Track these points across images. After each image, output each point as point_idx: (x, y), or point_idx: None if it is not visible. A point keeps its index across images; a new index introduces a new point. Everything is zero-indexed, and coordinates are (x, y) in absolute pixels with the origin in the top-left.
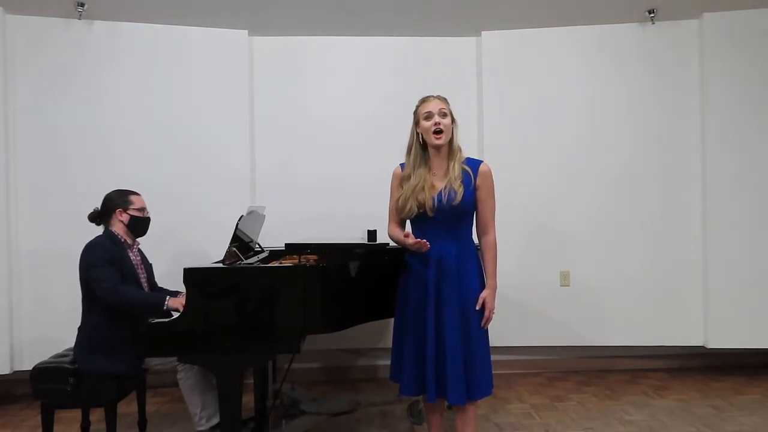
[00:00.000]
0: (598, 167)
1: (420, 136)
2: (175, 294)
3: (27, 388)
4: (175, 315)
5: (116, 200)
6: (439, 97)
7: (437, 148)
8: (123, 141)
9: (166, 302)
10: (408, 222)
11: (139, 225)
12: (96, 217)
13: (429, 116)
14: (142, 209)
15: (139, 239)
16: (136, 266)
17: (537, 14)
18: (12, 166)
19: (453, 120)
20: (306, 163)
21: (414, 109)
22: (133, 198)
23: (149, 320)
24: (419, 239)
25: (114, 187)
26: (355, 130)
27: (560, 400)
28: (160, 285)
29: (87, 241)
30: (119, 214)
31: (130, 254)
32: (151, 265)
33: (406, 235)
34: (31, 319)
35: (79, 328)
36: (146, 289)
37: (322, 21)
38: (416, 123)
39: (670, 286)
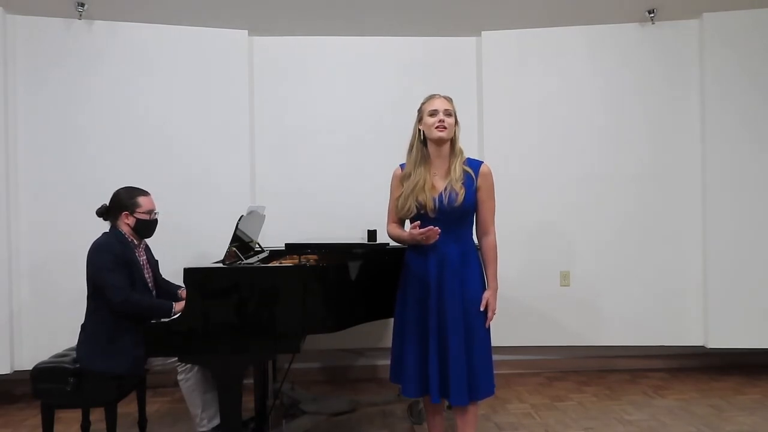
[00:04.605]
0: (599, 167)
1: (422, 133)
2: (180, 288)
3: (27, 388)
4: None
5: (124, 201)
6: (445, 97)
7: (438, 143)
8: (123, 141)
9: (173, 309)
10: (408, 221)
11: (145, 228)
12: (103, 214)
13: (434, 114)
14: (150, 211)
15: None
16: (142, 266)
17: (537, 14)
18: (12, 166)
19: (456, 121)
20: (306, 163)
21: (419, 106)
22: (141, 200)
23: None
24: (429, 226)
25: (114, 188)
26: (355, 129)
27: (560, 400)
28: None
29: (88, 240)
30: (125, 217)
31: (137, 254)
32: (157, 261)
33: (414, 227)
34: (31, 319)
35: (83, 326)
36: (152, 287)
37: (322, 21)
38: (419, 119)
39: (670, 286)
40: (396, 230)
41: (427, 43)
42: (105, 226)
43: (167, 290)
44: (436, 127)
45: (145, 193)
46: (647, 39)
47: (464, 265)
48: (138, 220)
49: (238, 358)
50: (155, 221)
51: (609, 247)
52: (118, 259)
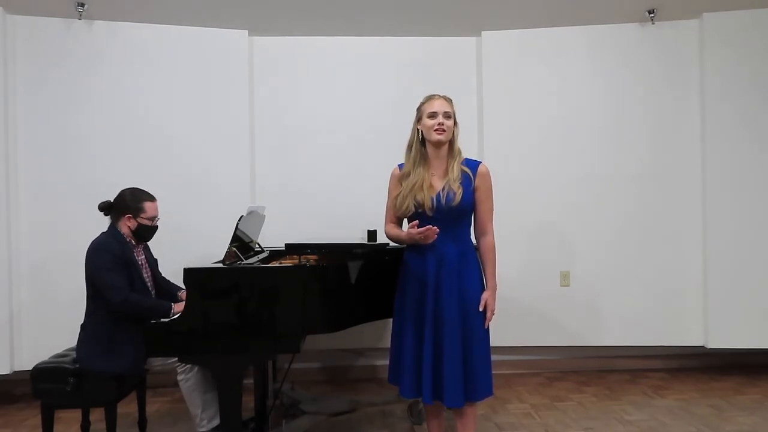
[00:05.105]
0: (598, 167)
1: (420, 133)
2: (180, 290)
3: (27, 388)
4: None
5: (129, 204)
6: (445, 98)
7: (437, 145)
8: (123, 141)
9: (172, 310)
10: (405, 221)
11: (145, 233)
12: (106, 209)
13: (433, 116)
14: (153, 218)
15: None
16: (141, 266)
17: (537, 14)
18: (12, 166)
19: (455, 122)
20: (306, 163)
21: (418, 105)
22: (146, 205)
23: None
24: (427, 226)
25: (114, 188)
26: (355, 129)
27: (560, 400)
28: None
29: (88, 240)
30: (127, 220)
31: (135, 253)
32: (156, 260)
33: (412, 226)
34: (31, 319)
35: (82, 326)
36: (151, 287)
37: (322, 21)
38: (418, 119)
39: (670, 286)
40: (394, 230)
41: (427, 43)
42: (105, 226)
43: (167, 290)
44: (435, 130)
45: (151, 198)
46: (647, 39)
47: (462, 265)
48: (139, 225)
49: (238, 358)
50: (156, 227)
51: (609, 247)
52: (117, 259)
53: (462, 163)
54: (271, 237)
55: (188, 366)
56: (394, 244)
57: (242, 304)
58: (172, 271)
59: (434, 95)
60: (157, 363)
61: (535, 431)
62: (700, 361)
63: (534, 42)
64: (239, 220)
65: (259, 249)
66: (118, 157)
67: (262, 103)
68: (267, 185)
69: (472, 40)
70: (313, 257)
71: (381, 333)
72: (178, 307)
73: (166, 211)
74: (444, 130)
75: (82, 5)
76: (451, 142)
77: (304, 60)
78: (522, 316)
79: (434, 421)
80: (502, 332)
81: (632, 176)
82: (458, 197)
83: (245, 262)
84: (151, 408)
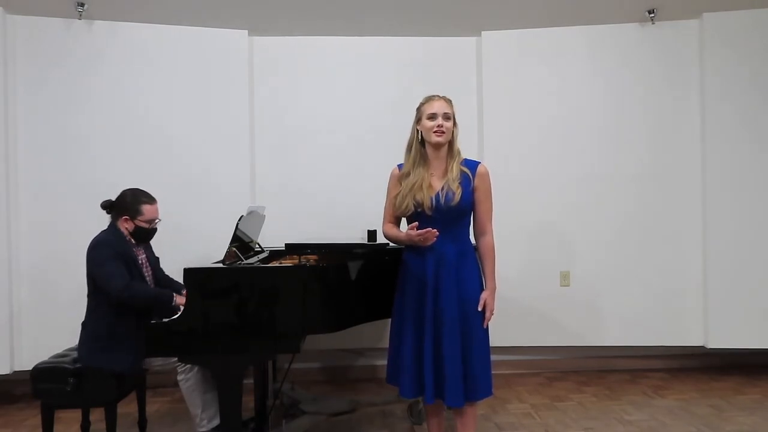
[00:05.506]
0: (598, 167)
1: (420, 133)
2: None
3: (27, 388)
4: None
5: (128, 205)
6: (444, 99)
7: (436, 146)
8: (123, 141)
9: (174, 299)
10: (404, 220)
11: (143, 235)
12: (108, 207)
13: (433, 117)
14: (151, 221)
15: None
16: (141, 264)
17: (537, 14)
18: (12, 166)
19: (454, 123)
20: (306, 163)
21: (417, 105)
22: (145, 208)
23: (151, 320)
24: (427, 228)
25: (114, 188)
26: (355, 129)
27: (560, 400)
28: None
29: (88, 240)
30: (125, 221)
31: (136, 252)
32: (157, 258)
33: (412, 228)
34: (31, 319)
35: (84, 324)
36: (151, 284)
37: (321, 21)
38: (418, 120)
39: (670, 286)
40: (392, 230)
41: (427, 43)
42: (104, 226)
43: (170, 287)
44: (434, 132)
45: (151, 200)
46: (647, 39)
47: (461, 265)
48: (136, 227)
49: (238, 358)
50: (154, 230)
51: (609, 247)
52: (117, 254)
53: (461, 164)
54: (271, 237)
55: (188, 366)
56: (394, 244)
57: (242, 304)
58: (172, 271)
59: (434, 96)
60: (157, 363)
61: (535, 431)
62: (700, 361)
63: (534, 42)
64: (239, 220)
65: (259, 249)
66: (118, 157)
67: (262, 103)
68: (267, 185)
69: (472, 40)
70: (313, 257)
71: (381, 333)
72: (179, 299)
73: (166, 211)
74: (443, 132)
75: (82, 5)
76: (451, 143)
77: (304, 60)
78: (522, 316)
79: (434, 421)
80: (502, 332)
81: (632, 176)
82: (457, 197)
83: (245, 262)
84: (151, 408)
